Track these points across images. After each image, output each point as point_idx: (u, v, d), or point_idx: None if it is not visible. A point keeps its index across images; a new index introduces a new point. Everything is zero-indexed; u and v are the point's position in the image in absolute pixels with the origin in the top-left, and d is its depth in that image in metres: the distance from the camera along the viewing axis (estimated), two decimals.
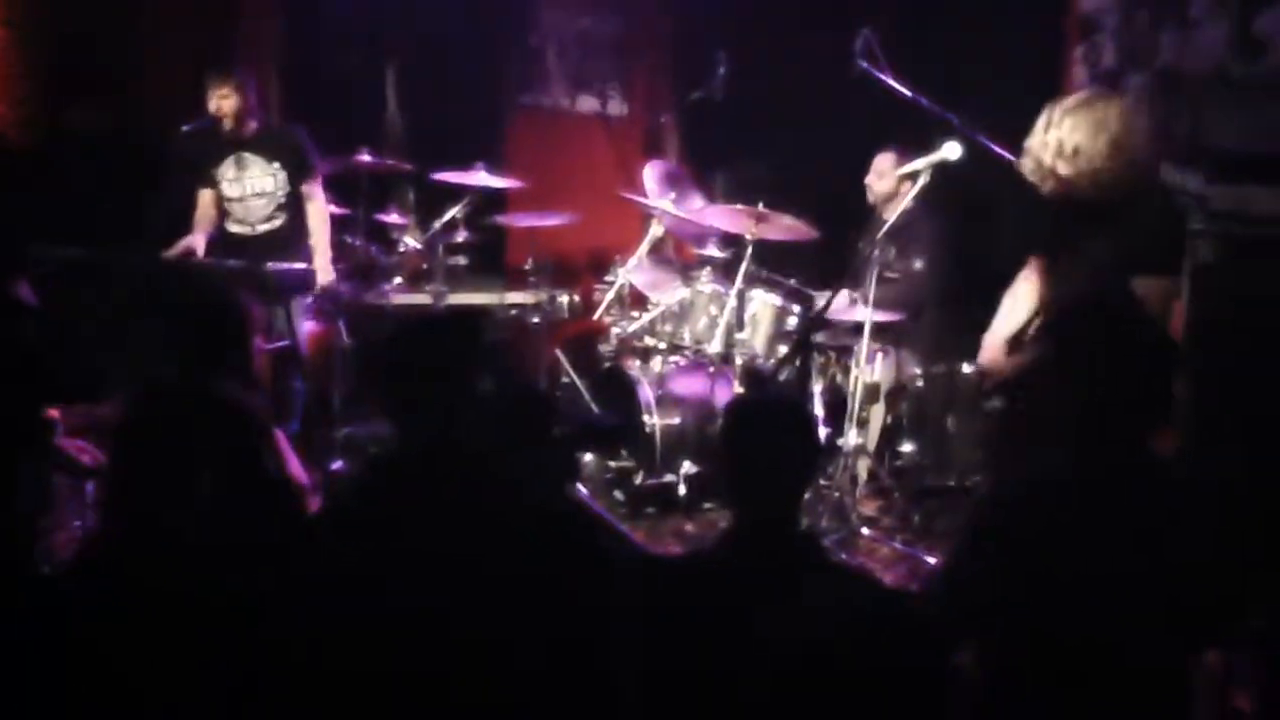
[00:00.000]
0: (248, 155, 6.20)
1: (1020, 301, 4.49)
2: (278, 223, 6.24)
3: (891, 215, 5.48)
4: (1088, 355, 2.84)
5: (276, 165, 6.21)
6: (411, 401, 3.06)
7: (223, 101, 6.05)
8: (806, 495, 4.85)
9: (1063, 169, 4.09)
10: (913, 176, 5.24)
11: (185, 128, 6.09)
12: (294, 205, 6.26)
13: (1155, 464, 2.84)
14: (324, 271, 6.22)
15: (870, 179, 6.26)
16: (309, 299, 6.35)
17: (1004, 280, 6.04)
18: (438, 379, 3.04)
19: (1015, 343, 4.37)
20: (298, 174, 6.24)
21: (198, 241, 6.10)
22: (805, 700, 2.59)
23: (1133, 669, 2.69)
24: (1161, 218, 4.16)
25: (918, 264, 6.02)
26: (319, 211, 6.29)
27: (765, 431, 2.84)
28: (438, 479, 2.95)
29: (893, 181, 6.03)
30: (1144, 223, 4.07)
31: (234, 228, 6.26)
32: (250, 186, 6.21)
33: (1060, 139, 4.10)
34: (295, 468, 4.07)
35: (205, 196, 6.26)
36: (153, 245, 6.02)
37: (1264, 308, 4.76)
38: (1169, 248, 4.17)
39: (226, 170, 6.20)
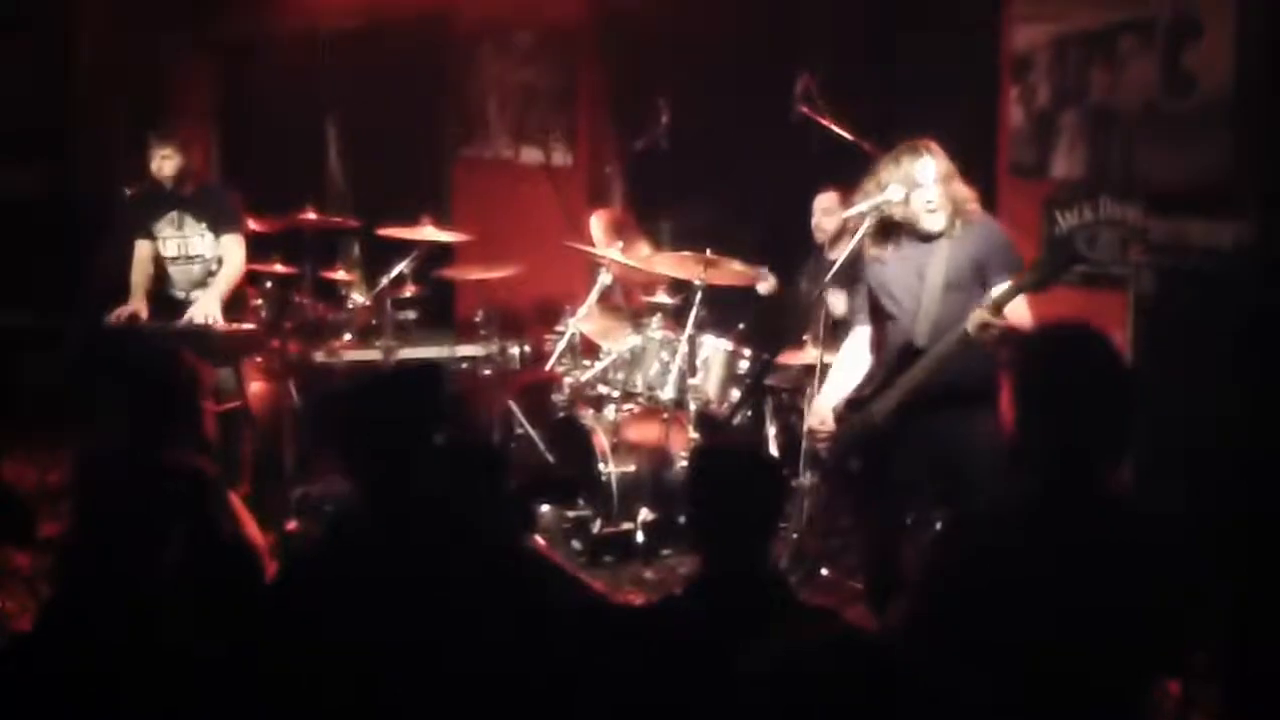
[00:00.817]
0: (185, 215, 6.19)
1: (848, 367, 4.64)
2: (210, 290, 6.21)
3: (839, 256, 5.52)
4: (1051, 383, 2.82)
5: (204, 225, 6.20)
6: (372, 455, 3.07)
7: (164, 162, 6.05)
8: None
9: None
10: (858, 217, 5.27)
11: (129, 190, 6.09)
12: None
13: (1110, 497, 2.87)
14: (207, 304, 6.02)
15: (815, 219, 6.32)
16: (258, 359, 6.33)
17: None
18: (398, 429, 3.05)
19: (850, 405, 4.47)
20: (219, 229, 6.21)
21: (140, 305, 6.06)
22: None
23: (1093, 698, 2.71)
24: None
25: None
26: (232, 263, 6.21)
27: (732, 480, 2.86)
28: (401, 529, 2.95)
29: (838, 220, 6.08)
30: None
31: (171, 292, 6.23)
32: (187, 247, 6.20)
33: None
34: (252, 529, 4.05)
35: (143, 250, 6.21)
36: (93, 309, 5.98)
37: (1203, 337, 4.84)
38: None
39: (164, 229, 6.18)
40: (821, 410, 4.59)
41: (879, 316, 4.58)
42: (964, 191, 4.35)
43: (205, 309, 5.97)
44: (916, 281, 4.36)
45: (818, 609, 3.50)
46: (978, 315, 3.96)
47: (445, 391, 3.37)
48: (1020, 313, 4.07)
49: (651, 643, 2.80)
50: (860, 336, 4.66)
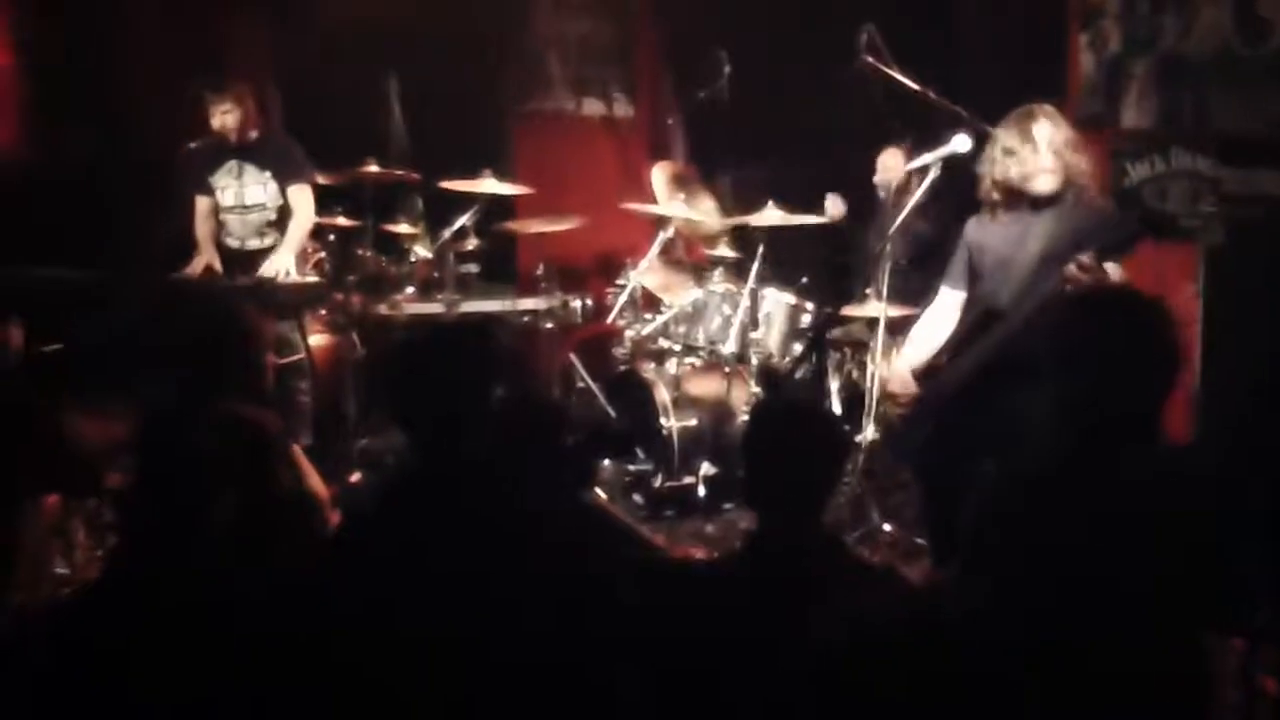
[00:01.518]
0: (245, 164, 6.23)
1: (932, 330, 4.59)
2: (269, 240, 6.25)
3: (903, 210, 5.45)
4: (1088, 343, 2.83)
5: (267, 175, 6.24)
6: (424, 413, 3.06)
7: (225, 117, 6.09)
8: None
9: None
10: (922, 171, 5.21)
11: (191, 145, 6.12)
12: (284, 222, 6.28)
13: (1160, 451, 2.83)
14: (280, 258, 6.09)
15: (879, 176, 6.24)
16: (321, 311, 6.37)
17: None
18: (450, 390, 3.03)
19: (928, 372, 4.46)
20: (284, 180, 6.25)
21: (211, 258, 6.12)
22: (835, 707, 2.58)
23: (1143, 653, 2.68)
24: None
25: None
26: (302, 214, 6.28)
27: (789, 438, 2.84)
28: (452, 490, 2.95)
29: (903, 176, 6.00)
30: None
31: (228, 241, 6.27)
32: (246, 196, 6.24)
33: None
34: (314, 481, 4.07)
35: (203, 205, 6.30)
36: (161, 265, 6.03)
37: (1276, 289, 4.74)
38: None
39: (223, 179, 6.23)
40: (901, 373, 4.56)
41: (971, 279, 4.52)
42: (1081, 164, 4.27)
43: (280, 263, 6.02)
44: (1015, 248, 4.31)
45: (876, 567, 3.50)
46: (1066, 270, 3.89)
47: (500, 349, 3.34)
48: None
49: (710, 599, 2.79)
50: (946, 299, 4.60)
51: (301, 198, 6.27)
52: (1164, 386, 2.80)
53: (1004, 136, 4.32)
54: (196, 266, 6.07)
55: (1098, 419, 2.77)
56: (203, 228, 6.29)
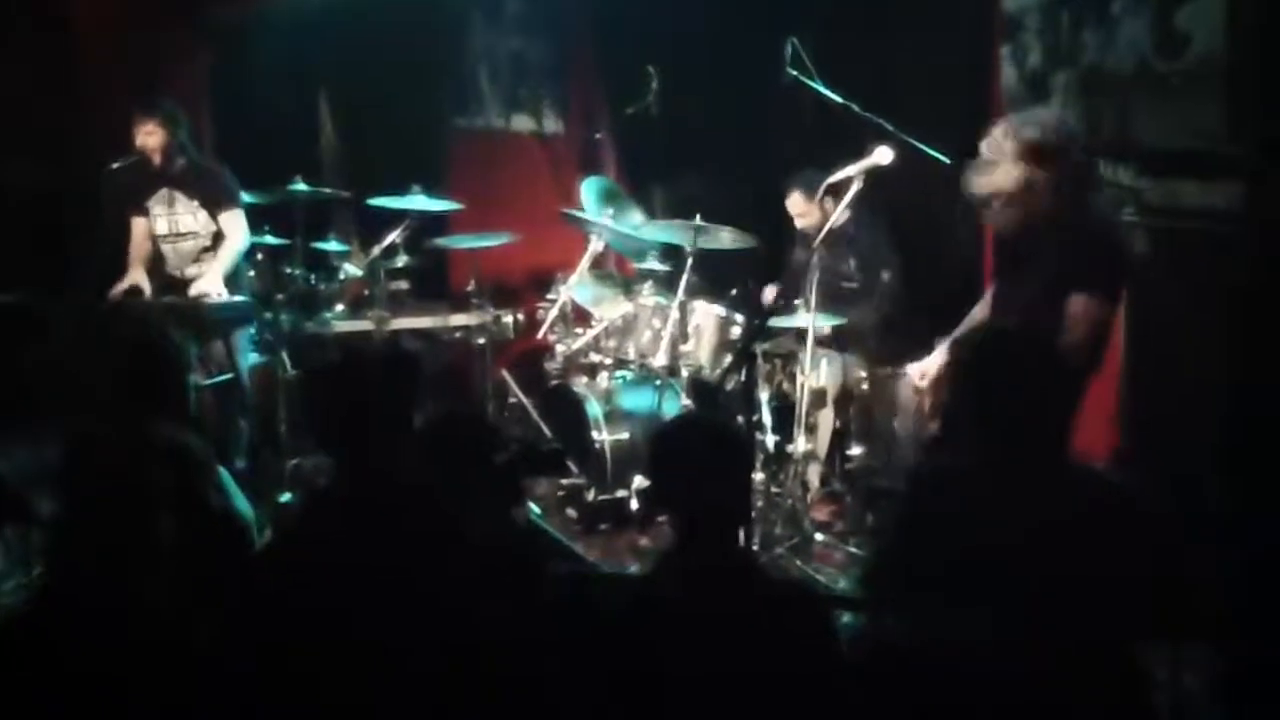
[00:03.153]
0: (175, 193, 6.17)
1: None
2: (204, 267, 6.19)
3: (827, 224, 5.48)
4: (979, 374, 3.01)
5: (196, 204, 6.18)
6: (348, 437, 3.07)
7: (148, 138, 6.01)
8: (752, 509, 4.89)
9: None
10: (843, 185, 5.24)
11: (114, 165, 6.06)
12: (218, 247, 6.22)
13: (1068, 467, 2.96)
14: (209, 280, 6.00)
15: (796, 222, 6.32)
16: (251, 331, 6.32)
17: (943, 282, 6.11)
18: (374, 414, 3.04)
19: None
20: (214, 207, 6.19)
21: (139, 277, 6.05)
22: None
23: (1071, 660, 2.73)
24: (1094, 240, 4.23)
25: (885, 275, 6.07)
26: (234, 239, 6.20)
27: (689, 458, 2.86)
28: (378, 512, 2.95)
29: (816, 211, 6.09)
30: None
31: (164, 269, 6.22)
32: (179, 224, 6.18)
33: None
34: (240, 504, 4.05)
35: (139, 226, 6.22)
36: (83, 289, 5.96)
37: (1196, 299, 4.82)
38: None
39: (156, 206, 6.17)
40: (927, 366, 4.59)
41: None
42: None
43: (208, 285, 5.95)
44: None
45: (791, 585, 3.54)
46: None
47: (417, 377, 3.35)
48: None
49: (640, 612, 2.80)
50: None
51: (234, 223, 6.21)
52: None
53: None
54: (123, 285, 5.99)
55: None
56: (137, 249, 6.22)
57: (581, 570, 3.51)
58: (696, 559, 2.79)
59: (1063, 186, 4.17)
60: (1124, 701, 2.80)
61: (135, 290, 5.98)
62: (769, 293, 6.44)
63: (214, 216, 6.20)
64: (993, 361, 3.00)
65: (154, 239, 6.22)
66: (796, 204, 6.25)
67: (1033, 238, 4.26)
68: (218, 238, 6.23)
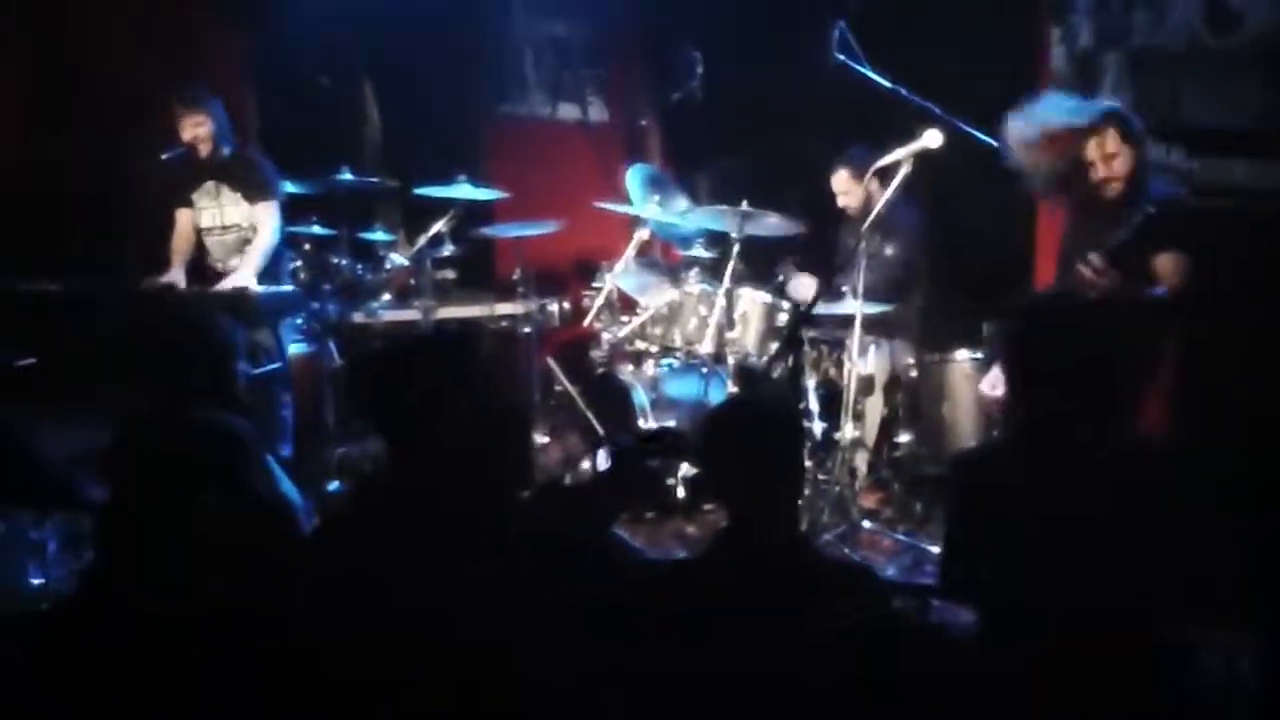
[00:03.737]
0: (221, 186, 6.18)
1: None
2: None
3: (873, 210, 5.44)
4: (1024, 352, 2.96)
5: (239, 195, 6.19)
6: (400, 420, 3.06)
7: (197, 130, 6.03)
8: (802, 495, 4.86)
9: None
10: (892, 169, 5.20)
11: (164, 155, 6.08)
12: None
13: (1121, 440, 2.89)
14: (242, 274, 6.02)
15: (840, 200, 6.24)
16: (298, 320, 6.34)
17: (987, 267, 6.05)
18: (427, 397, 3.03)
19: None
20: (252, 197, 6.20)
21: (177, 275, 6.07)
22: (799, 707, 2.58)
23: (1114, 641, 2.70)
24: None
25: (889, 250, 6.00)
26: (265, 232, 6.18)
27: (742, 441, 2.83)
28: (428, 496, 2.94)
29: (860, 192, 5.98)
30: None
31: (208, 261, 6.24)
32: (223, 217, 6.20)
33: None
34: (287, 489, 4.05)
35: (184, 217, 6.24)
36: (131, 275, 5.99)
37: (1247, 278, 4.76)
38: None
39: (202, 199, 6.19)
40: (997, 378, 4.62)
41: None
42: None
43: (239, 280, 5.96)
44: None
45: (853, 566, 3.50)
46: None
47: (475, 355, 3.34)
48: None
49: (683, 598, 2.78)
50: None
51: (266, 215, 6.19)
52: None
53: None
54: (160, 282, 6.00)
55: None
56: (180, 241, 6.24)
57: (632, 556, 3.47)
58: (750, 541, 2.76)
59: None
60: (1166, 687, 2.77)
61: (170, 287, 5.99)
62: (804, 285, 6.35)
63: (251, 206, 6.21)
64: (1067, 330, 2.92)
65: (199, 231, 6.24)
66: (842, 181, 6.17)
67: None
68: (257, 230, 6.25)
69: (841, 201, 6.23)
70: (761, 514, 2.76)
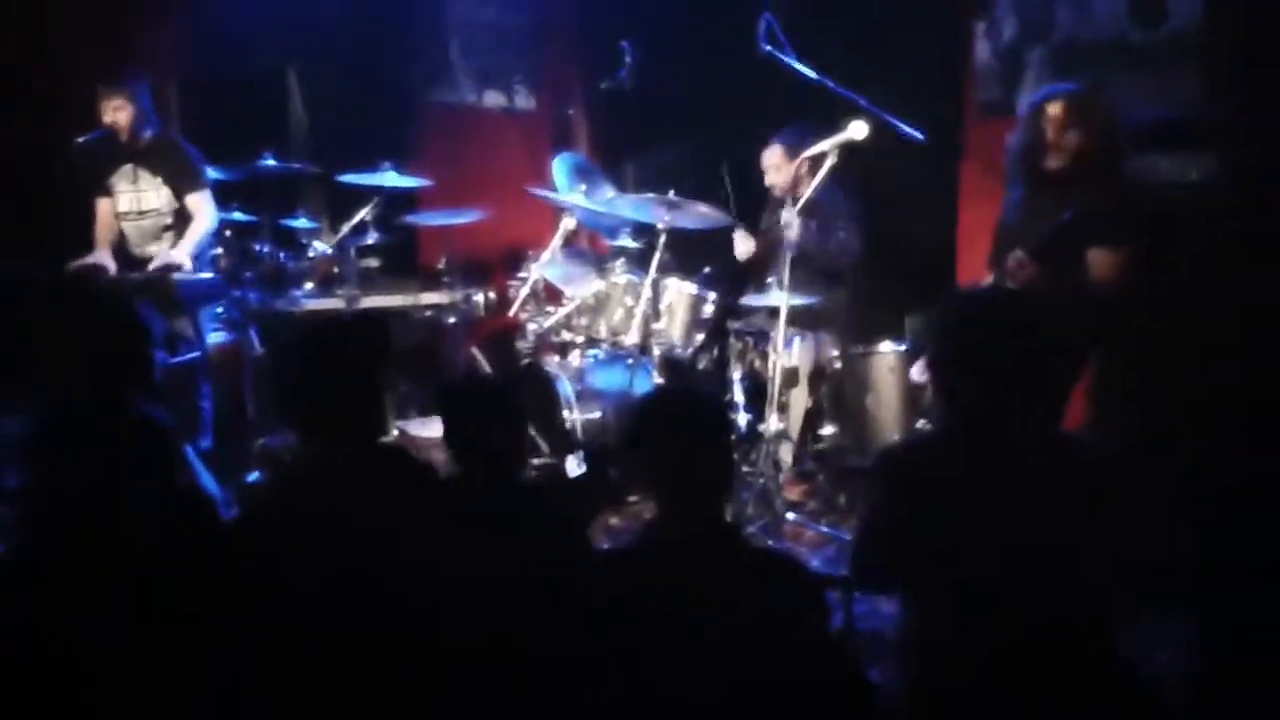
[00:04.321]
0: (140, 169, 6.09)
1: None
2: (165, 244, 6.12)
3: (801, 196, 5.45)
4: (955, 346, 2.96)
5: (160, 180, 6.10)
6: (317, 410, 3.06)
7: (117, 114, 5.94)
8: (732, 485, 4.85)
9: None
10: (819, 158, 5.22)
11: (80, 139, 5.98)
12: (181, 225, 6.15)
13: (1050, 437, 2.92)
14: (179, 252, 5.97)
15: (768, 178, 6.24)
16: (218, 309, 6.25)
17: (914, 259, 6.09)
18: (340, 386, 3.04)
19: None
20: (182, 188, 6.12)
21: (104, 257, 5.99)
22: (733, 695, 2.57)
23: (1048, 634, 2.71)
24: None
25: (842, 233, 6.01)
26: (202, 219, 6.13)
27: (673, 430, 2.82)
28: (342, 480, 2.94)
29: (789, 171, 5.97)
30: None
31: (128, 247, 6.15)
32: (140, 201, 6.11)
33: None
34: (205, 480, 4.00)
35: (104, 206, 6.16)
36: (52, 259, 5.88)
37: (1173, 269, 4.82)
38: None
39: (120, 182, 6.10)
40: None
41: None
42: None
43: (177, 257, 5.88)
44: None
45: (774, 558, 3.51)
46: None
47: (386, 342, 3.40)
48: None
49: (611, 589, 2.77)
50: None
51: (202, 204, 6.14)
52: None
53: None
54: (86, 261, 5.91)
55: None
56: (103, 229, 6.15)
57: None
58: (680, 531, 2.75)
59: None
60: (1102, 677, 2.79)
61: (98, 268, 5.90)
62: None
63: (179, 195, 6.13)
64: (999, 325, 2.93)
65: (116, 215, 6.14)
66: (774, 156, 6.15)
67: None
68: (179, 215, 6.16)
69: (769, 178, 6.22)
70: (692, 504, 2.75)
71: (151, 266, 5.89)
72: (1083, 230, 4.37)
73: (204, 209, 6.14)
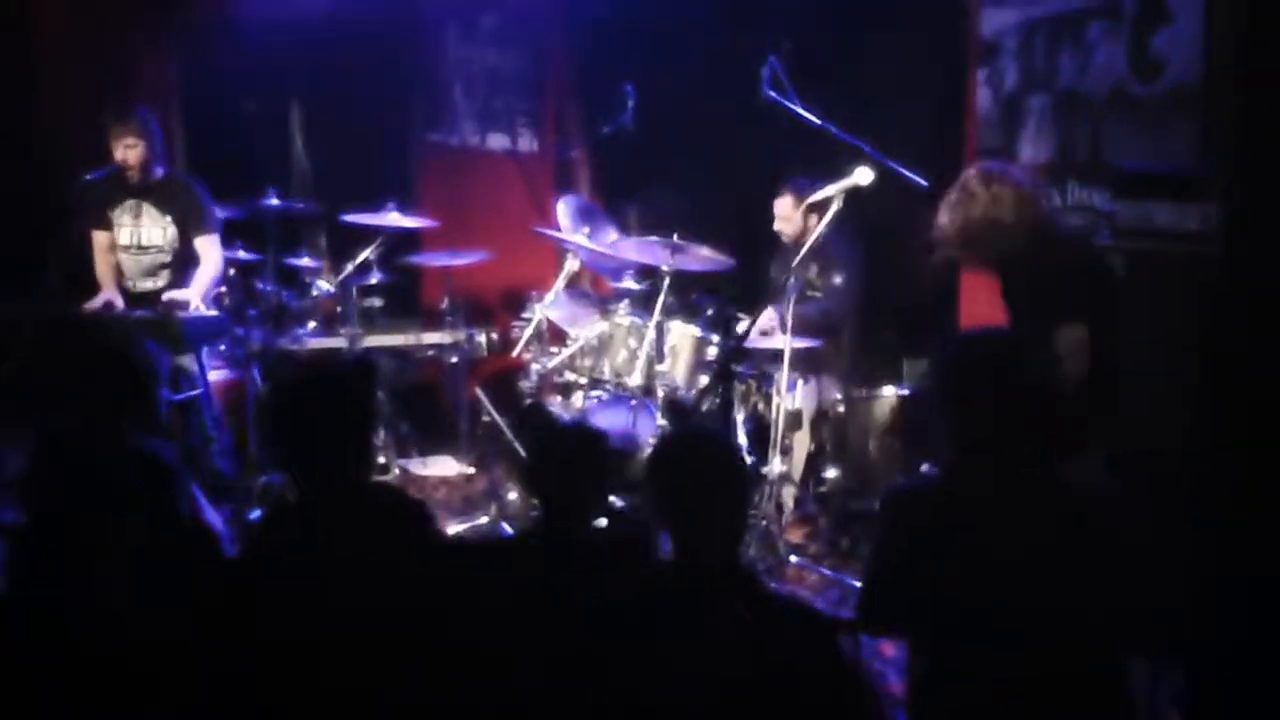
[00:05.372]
0: (145, 204, 6.11)
1: None
2: (161, 281, 6.13)
3: (806, 243, 5.48)
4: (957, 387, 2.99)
5: (168, 219, 6.12)
6: (300, 449, 3.10)
7: (128, 151, 5.94)
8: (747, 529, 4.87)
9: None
10: (824, 204, 5.25)
11: (88, 176, 6.00)
12: (180, 264, 6.16)
13: (1055, 480, 2.93)
14: (190, 292, 5.96)
15: (778, 225, 6.28)
16: (220, 347, 6.27)
17: (916, 305, 6.11)
18: (325, 427, 3.08)
19: None
20: (190, 229, 6.14)
21: (113, 295, 6.00)
22: None
23: (1051, 678, 2.72)
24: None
25: (838, 279, 6.04)
26: (210, 262, 6.16)
27: (696, 474, 2.82)
28: (341, 521, 3.01)
29: (799, 220, 6.06)
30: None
31: (123, 281, 6.16)
32: (142, 237, 6.12)
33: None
34: (209, 516, 4.00)
35: (101, 239, 6.14)
36: (54, 296, 5.90)
37: (1170, 321, 4.82)
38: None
39: (123, 216, 6.11)
40: None
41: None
42: None
43: (189, 296, 5.91)
44: None
45: (788, 600, 3.53)
46: None
47: (369, 384, 3.47)
48: None
49: (627, 625, 2.77)
50: None
51: (211, 248, 6.17)
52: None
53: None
54: (97, 303, 5.93)
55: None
56: (102, 264, 6.15)
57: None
58: (697, 573, 2.75)
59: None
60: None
61: (109, 306, 5.92)
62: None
63: (186, 235, 6.14)
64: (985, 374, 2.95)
65: (113, 248, 6.16)
66: (785, 206, 6.21)
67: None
68: (180, 255, 6.17)
69: (779, 226, 6.27)
70: (708, 546, 2.75)
71: (163, 301, 5.90)
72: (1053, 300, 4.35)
73: (211, 253, 6.17)
